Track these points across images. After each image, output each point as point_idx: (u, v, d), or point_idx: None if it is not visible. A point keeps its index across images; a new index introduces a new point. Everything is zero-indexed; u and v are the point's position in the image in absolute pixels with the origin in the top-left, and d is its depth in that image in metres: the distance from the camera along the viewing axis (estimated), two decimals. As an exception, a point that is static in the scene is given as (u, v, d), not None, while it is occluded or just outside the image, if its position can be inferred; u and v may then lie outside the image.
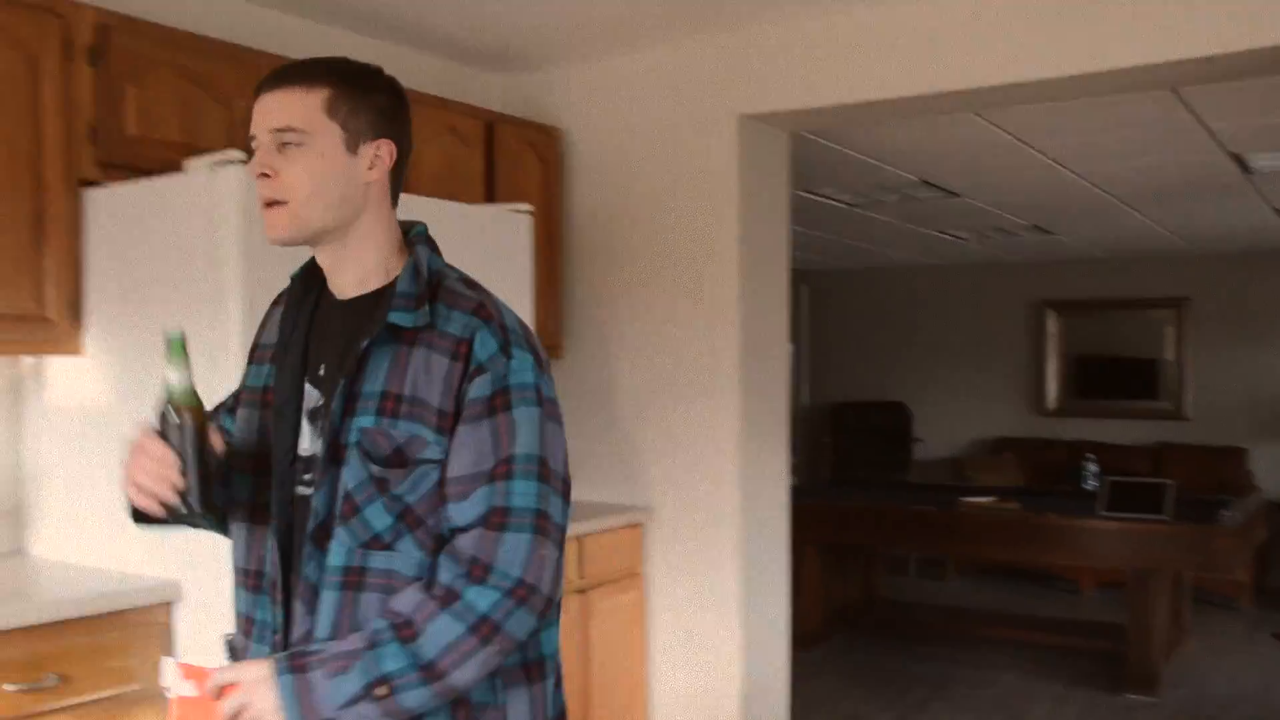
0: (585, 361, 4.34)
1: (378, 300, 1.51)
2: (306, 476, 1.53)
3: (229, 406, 1.73)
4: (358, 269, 1.54)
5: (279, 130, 1.47)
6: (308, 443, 1.55)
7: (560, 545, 1.49)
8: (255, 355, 1.69)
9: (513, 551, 1.42)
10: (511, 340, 1.49)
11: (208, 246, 2.58)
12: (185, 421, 1.47)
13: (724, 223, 4.03)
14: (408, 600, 1.43)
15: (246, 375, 1.68)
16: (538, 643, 1.55)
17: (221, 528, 1.68)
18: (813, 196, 6.10)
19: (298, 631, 1.50)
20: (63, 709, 2.44)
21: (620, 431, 4.27)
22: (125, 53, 2.90)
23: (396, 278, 1.52)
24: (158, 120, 2.97)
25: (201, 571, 2.59)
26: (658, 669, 4.19)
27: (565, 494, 1.52)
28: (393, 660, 1.39)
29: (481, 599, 1.41)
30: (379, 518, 1.46)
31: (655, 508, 4.18)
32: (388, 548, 1.46)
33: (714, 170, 4.05)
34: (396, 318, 1.47)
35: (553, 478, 1.48)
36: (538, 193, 4.11)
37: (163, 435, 1.47)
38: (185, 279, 2.63)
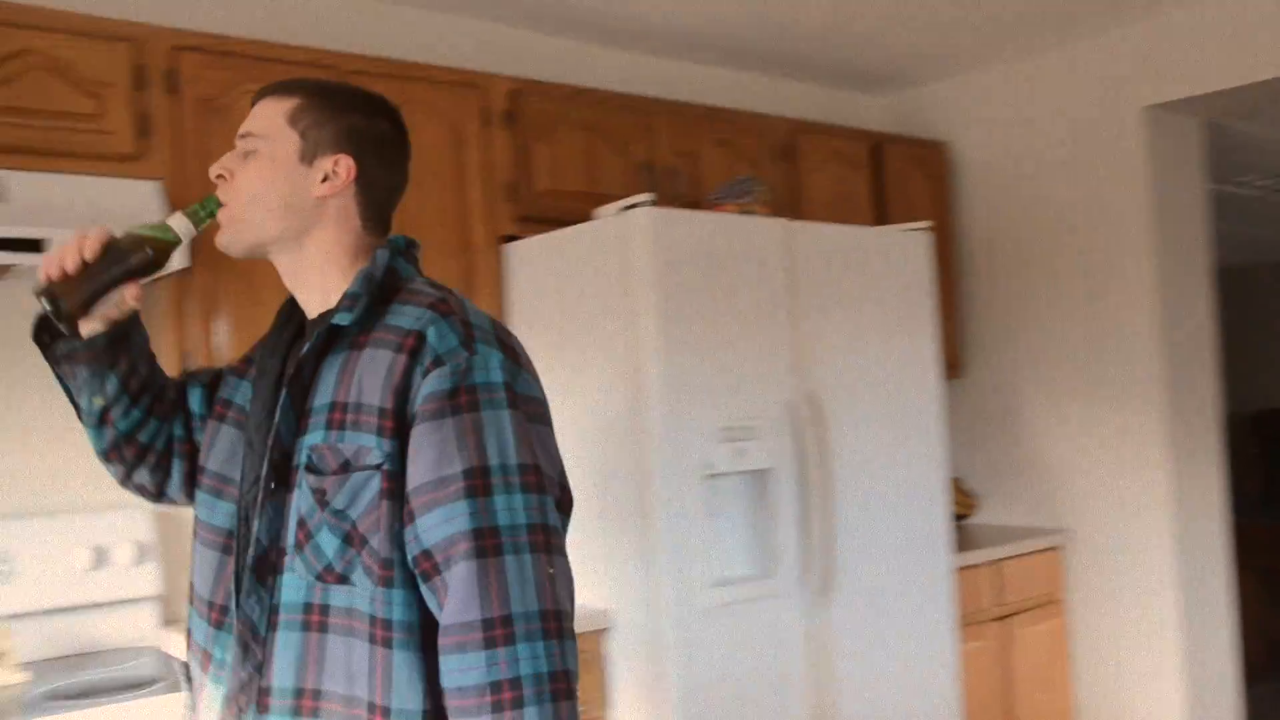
0: (987, 380, 4.18)
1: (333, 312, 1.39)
2: None
3: (203, 381, 1.59)
4: (320, 289, 1.43)
5: (243, 136, 1.42)
6: None
7: (565, 553, 1.32)
8: (237, 366, 1.57)
9: (520, 582, 1.24)
10: (477, 336, 1.30)
11: (622, 287, 2.69)
12: (134, 249, 1.39)
13: (1133, 223, 3.76)
14: None
15: (225, 383, 1.56)
16: None
17: (100, 419, 1.51)
18: (1224, 188, 5.57)
19: (237, 676, 1.36)
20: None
21: (1028, 450, 4.06)
22: (535, 114, 3.10)
23: None
24: (565, 173, 3.16)
25: (632, 601, 2.69)
26: (1086, 704, 3.92)
27: (564, 503, 1.35)
28: None
29: (532, 661, 1.22)
30: (328, 542, 1.30)
31: (1074, 529, 3.93)
32: (343, 580, 1.29)
33: (1119, 169, 3.79)
34: (338, 318, 1.34)
35: (549, 484, 1.30)
36: (927, 210, 4.01)
37: (110, 242, 1.39)
38: (602, 320, 2.76)
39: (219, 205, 1.41)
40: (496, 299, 3.03)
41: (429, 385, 1.27)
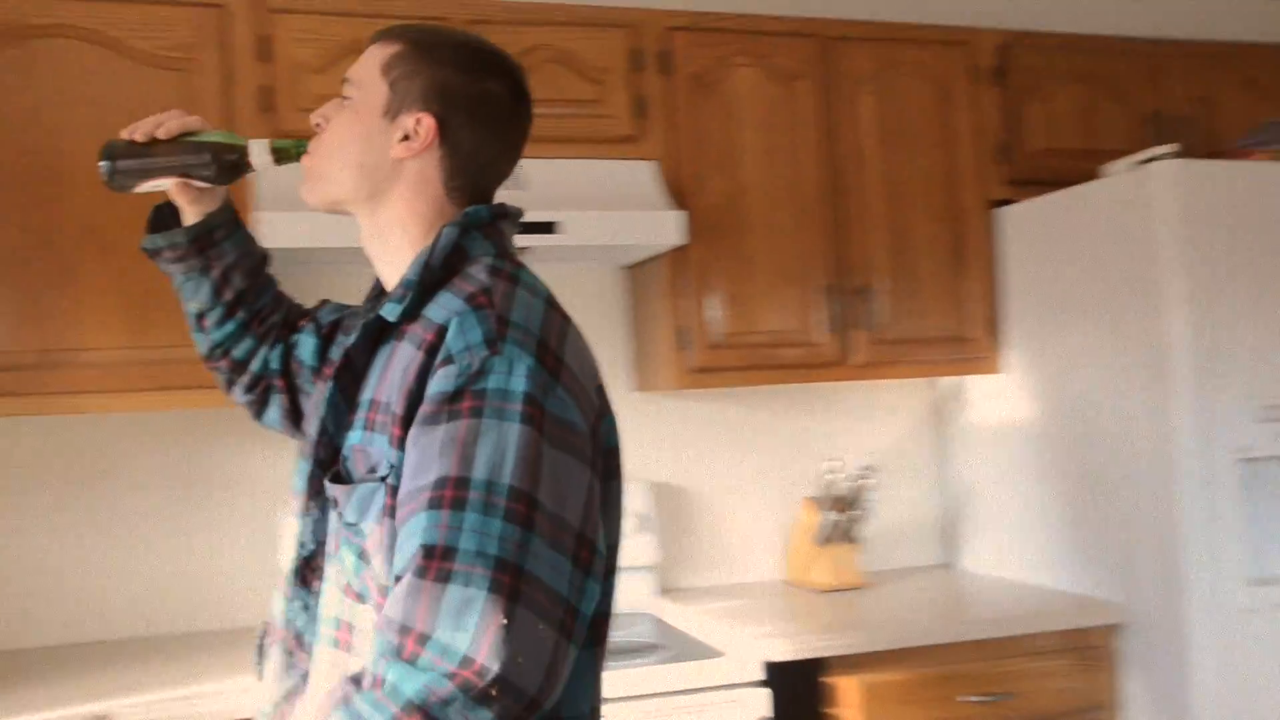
0: None
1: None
2: None
3: (321, 324, 1.49)
4: (390, 260, 1.27)
5: (344, 81, 1.28)
6: None
7: (566, 630, 1.02)
8: (348, 323, 1.46)
9: (456, 614, 0.97)
10: (509, 335, 1.08)
11: (1140, 251, 2.44)
12: (203, 151, 1.36)
13: None
14: (316, 706, 1.08)
15: (338, 341, 1.45)
16: None
17: (196, 323, 1.48)
18: None
19: (279, 689, 1.23)
20: (1014, 726, 2.46)
21: None
22: (1026, 68, 2.91)
23: None
24: (1060, 130, 2.94)
25: (1150, 597, 2.44)
26: None
27: (583, 560, 1.05)
28: None
29: (407, 681, 0.97)
30: (347, 556, 1.15)
31: None
32: (360, 599, 1.14)
33: None
34: (386, 310, 1.18)
35: (552, 527, 1.02)
36: None
37: (191, 134, 1.37)
38: (1114, 288, 2.52)
39: (306, 152, 1.32)
40: (988, 268, 2.86)
41: (432, 386, 1.08)
